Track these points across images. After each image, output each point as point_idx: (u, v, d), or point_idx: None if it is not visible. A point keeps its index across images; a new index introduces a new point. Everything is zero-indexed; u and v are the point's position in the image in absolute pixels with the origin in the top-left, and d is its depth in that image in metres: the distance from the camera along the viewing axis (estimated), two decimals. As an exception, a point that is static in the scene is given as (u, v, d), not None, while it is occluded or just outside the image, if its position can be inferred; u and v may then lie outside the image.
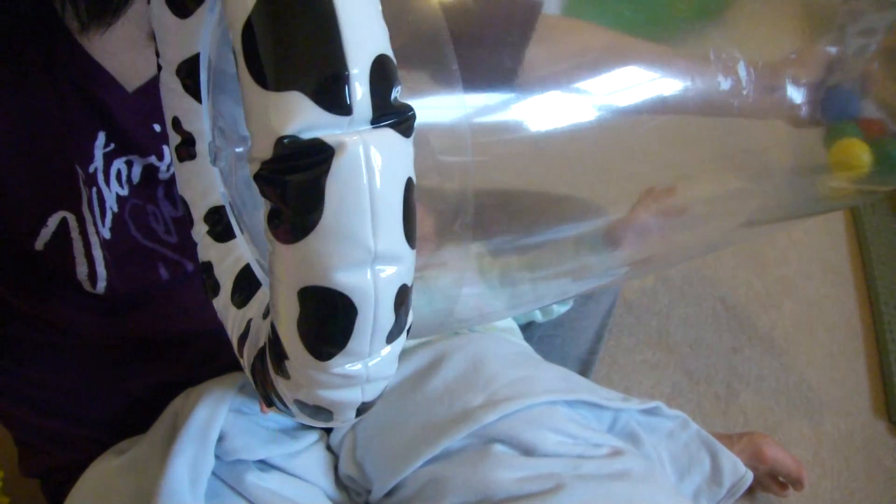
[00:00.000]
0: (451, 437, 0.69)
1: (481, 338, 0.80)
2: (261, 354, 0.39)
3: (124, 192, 0.63)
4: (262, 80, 0.27)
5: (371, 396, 0.38)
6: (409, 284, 0.34)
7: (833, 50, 0.63)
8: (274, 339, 0.34)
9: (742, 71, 0.60)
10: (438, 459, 0.69)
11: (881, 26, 0.62)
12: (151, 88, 0.48)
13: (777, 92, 0.61)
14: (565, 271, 0.62)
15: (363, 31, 0.28)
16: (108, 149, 0.61)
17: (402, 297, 0.33)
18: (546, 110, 0.54)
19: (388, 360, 0.36)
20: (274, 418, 0.77)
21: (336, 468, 0.77)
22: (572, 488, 0.65)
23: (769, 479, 1.03)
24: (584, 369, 1.07)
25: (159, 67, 0.47)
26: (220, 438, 0.70)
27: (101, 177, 0.61)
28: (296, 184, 0.27)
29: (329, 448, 0.79)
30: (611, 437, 0.75)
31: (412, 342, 0.80)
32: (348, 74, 0.27)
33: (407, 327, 0.37)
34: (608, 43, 0.65)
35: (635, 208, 0.75)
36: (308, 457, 0.75)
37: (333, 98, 0.27)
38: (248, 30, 0.27)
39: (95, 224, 0.63)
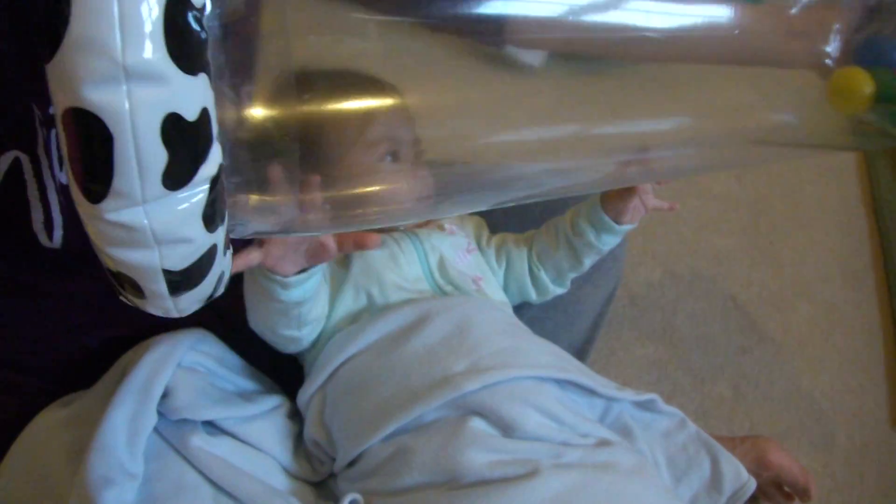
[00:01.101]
0: (428, 404, 0.63)
1: (470, 301, 0.75)
2: None
3: None
4: None
5: (173, 263, 0.37)
6: (187, 117, 0.32)
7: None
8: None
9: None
10: (408, 430, 0.64)
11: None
12: None
13: (806, 37, 0.56)
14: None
15: None
16: None
17: (175, 129, 0.31)
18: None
19: (179, 215, 0.34)
20: (230, 379, 0.72)
21: (297, 437, 0.72)
22: (548, 477, 0.59)
23: (773, 487, 0.96)
24: (578, 359, 1.00)
25: None
26: (166, 394, 0.65)
27: None
28: None
29: (291, 416, 0.74)
30: (600, 428, 0.69)
31: (396, 297, 0.74)
32: None
33: (207, 178, 0.35)
34: None
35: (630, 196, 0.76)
36: (264, 423, 0.70)
37: None
38: None
39: (52, 167, 0.62)
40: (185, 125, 0.32)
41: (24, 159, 0.60)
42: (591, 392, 0.72)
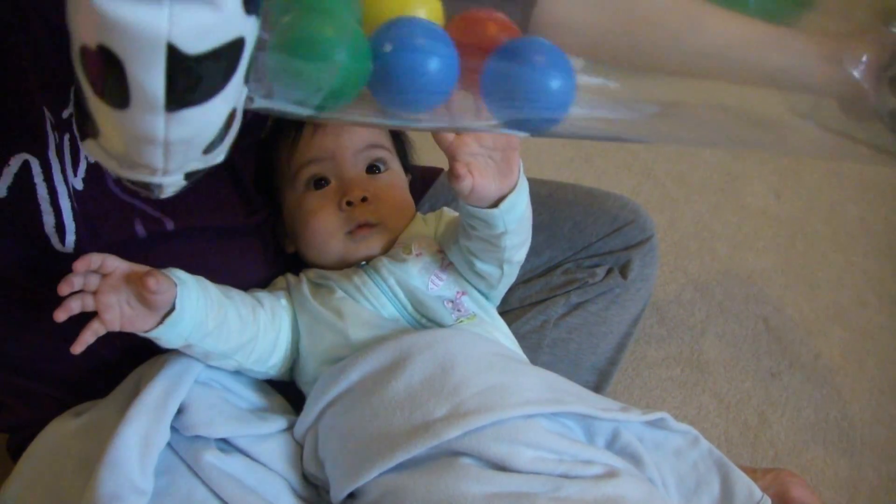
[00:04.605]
0: (408, 452, 0.62)
1: (455, 336, 0.71)
2: None
3: None
4: None
5: (184, 37, 0.28)
6: None
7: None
8: None
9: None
10: (399, 468, 0.63)
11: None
12: None
13: (834, 64, 0.55)
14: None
15: None
16: None
17: None
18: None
19: None
20: (244, 395, 0.72)
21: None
22: None
23: (792, 525, 0.93)
24: (601, 381, 0.98)
25: None
26: (181, 410, 0.66)
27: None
28: None
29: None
30: (607, 454, 0.67)
31: (374, 333, 0.72)
32: None
33: None
34: None
35: None
36: (276, 443, 0.70)
37: None
38: None
39: (64, 172, 0.62)
40: None
41: (34, 162, 0.60)
42: (593, 418, 0.69)
